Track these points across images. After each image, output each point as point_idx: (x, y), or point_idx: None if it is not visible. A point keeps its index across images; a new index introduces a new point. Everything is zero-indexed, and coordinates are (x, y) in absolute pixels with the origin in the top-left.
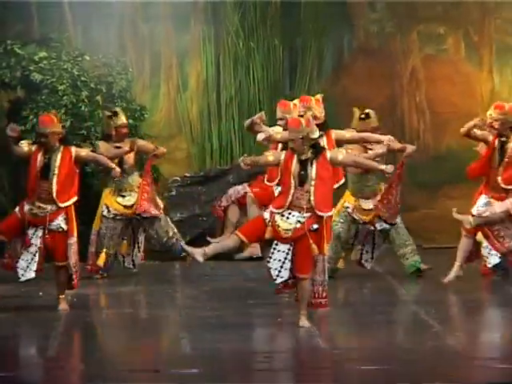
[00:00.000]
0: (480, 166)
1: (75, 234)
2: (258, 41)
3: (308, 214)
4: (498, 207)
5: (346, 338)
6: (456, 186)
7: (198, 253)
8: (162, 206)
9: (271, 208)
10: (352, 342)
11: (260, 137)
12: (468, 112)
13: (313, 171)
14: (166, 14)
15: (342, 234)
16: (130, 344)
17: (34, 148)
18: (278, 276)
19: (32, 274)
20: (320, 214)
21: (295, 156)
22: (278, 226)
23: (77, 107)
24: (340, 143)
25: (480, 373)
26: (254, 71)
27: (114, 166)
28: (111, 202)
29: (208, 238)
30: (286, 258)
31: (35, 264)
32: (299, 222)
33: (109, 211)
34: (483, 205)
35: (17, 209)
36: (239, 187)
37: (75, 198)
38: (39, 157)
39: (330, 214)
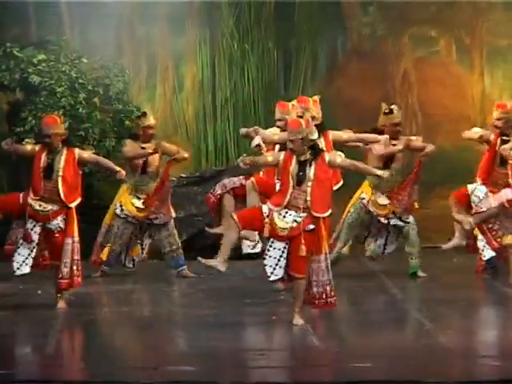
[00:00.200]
0: (484, 167)
1: (75, 234)
2: (252, 42)
3: (304, 214)
4: (494, 200)
5: (339, 335)
6: (448, 186)
7: (219, 263)
8: (173, 213)
9: (269, 205)
10: (345, 339)
11: (254, 142)
12: (459, 114)
13: (311, 172)
14: (161, 16)
15: (353, 224)
16: (127, 342)
17: (37, 148)
18: (272, 273)
19: (27, 269)
20: (315, 214)
21: (294, 156)
22: (275, 224)
23: (75, 109)
24: (337, 144)
25: (471, 370)
26: (249, 72)
27: (118, 168)
28: (126, 202)
29: (206, 228)
30: (281, 256)
31: (31, 259)
32: (296, 221)
33: (122, 210)
34: (481, 196)
35: (21, 194)
36: (235, 178)
37: (79, 199)
38: (43, 157)
39: (325, 214)
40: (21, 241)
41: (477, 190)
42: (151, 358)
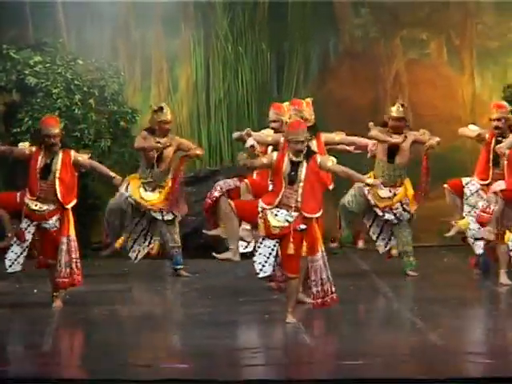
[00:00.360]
0: (480, 166)
1: (70, 233)
2: (246, 45)
3: (296, 214)
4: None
5: (331, 334)
6: (438, 186)
7: (231, 254)
8: (186, 209)
9: (261, 204)
10: (337, 337)
11: (248, 143)
12: (450, 114)
13: (302, 173)
14: (156, 19)
15: (348, 205)
16: (122, 340)
17: (33, 149)
18: (261, 270)
19: (19, 267)
20: (306, 215)
21: (286, 157)
22: (269, 222)
23: (70, 110)
24: (329, 146)
25: (462, 367)
26: (243, 74)
27: (113, 174)
28: (134, 188)
29: (204, 231)
30: (270, 254)
31: (23, 258)
32: (287, 220)
33: (127, 190)
34: (473, 191)
35: (18, 193)
36: (229, 180)
37: (75, 201)
38: (40, 158)
39: (316, 215)
40: (14, 239)
41: (470, 183)
42: (146, 355)
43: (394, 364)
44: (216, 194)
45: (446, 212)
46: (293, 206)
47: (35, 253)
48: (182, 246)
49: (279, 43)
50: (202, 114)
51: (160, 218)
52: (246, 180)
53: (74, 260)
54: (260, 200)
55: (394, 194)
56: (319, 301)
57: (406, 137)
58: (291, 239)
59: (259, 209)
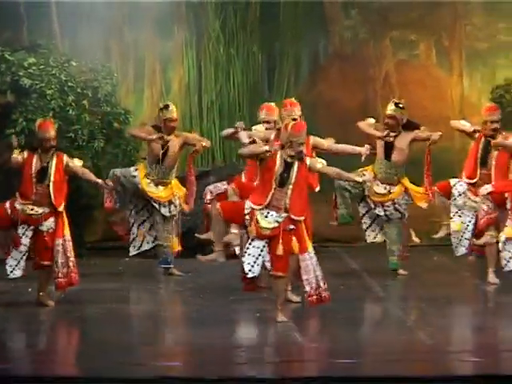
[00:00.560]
0: (469, 164)
1: (65, 234)
2: (237, 47)
3: (285, 215)
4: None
5: (322, 332)
6: None
7: (217, 255)
8: (191, 205)
9: (250, 204)
10: (328, 336)
11: (245, 140)
12: (439, 115)
13: (293, 174)
14: (149, 21)
15: (344, 192)
16: (115, 338)
17: (25, 154)
18: (250, 271)
19: (20, 273)
20: (294, 217)
21: (280, 157)
22: (258, 223)
23: (64, 111)
24: (317, 150)
25: (451, 365)
26: (234, 76)
27: (99, 181)
28: (141, 177)
29: (196, 235)
30: (259, 255)
31: (23, 263)
32: (277, 221)
33: (135, 177)
34: (461, 192)
35: (7, 204)
36: (219, 184)
37: (64, 203)
38: (34, 161)
39: (302, 218)
40: (12, 246)
41: (458, 185)
42: (139, 354)
43: (385, 362)
44: (209, 197)
45: (434, 212)
46: (282, 207)
47: (31, 254)
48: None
49: (270, 45)
50: (195, 115)
51: (158, 208)
52: (232, 184)
53: (71, 260)
54: (248, 200)
55: (389, 192)
56: (314, 298)
57: (400, 133)
58: (280, 240)
59: (246, 209)
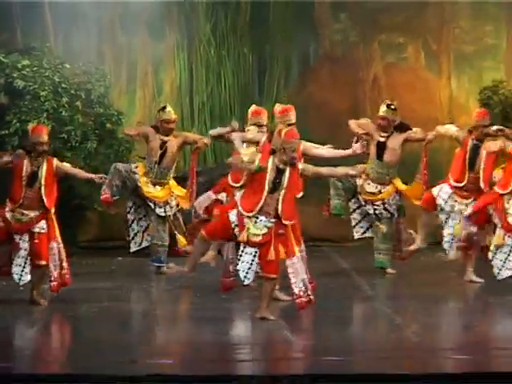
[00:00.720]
0: (455, 167)
1: (57, 237)
2: (228, 49)
3: (274, 220)
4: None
5: (313, 330)
6: None
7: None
8: (193, 202)
9: (241, 210)
10: (318, 334)
11: (238, 144)
12: (427, 117)
13: (285, 180)
14: (141, 24)
15: (337, 185)
16: (109, 336)
17: (14, 156)
18: (245, 277)
19: (28, 277)
20: (285, 222)
21: (272, 163)
22: (248, 230)
23: (58, 112)
24: (306, 156)
25: (439, 363)
26: (225, 78)
27: (92, 175)
28: (141, 175)
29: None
30: (253, 261)
31: (29, 267)
32: (266, 226)
33: (135, 173)
34: (446, 198)
35: None
36: (205, 195)
37: (53, 205)
38: (25, 165)
39: (292, 222)
40: (13, 254)
41: (441, 192)
42: (132, 351)
43: (374, 360)
44: (201, 212)
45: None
46: (271, 212)
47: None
48: (169, 245)
49: (261, 47)
50: (186, 116)
51: (153, 207)
52: (216, 211)
53: (63, 261)
54: (233, 210)
55: (380, 192)
56: (303, 300)
57: (392, 133)
58: (271, 246)
59: (232, 222)
